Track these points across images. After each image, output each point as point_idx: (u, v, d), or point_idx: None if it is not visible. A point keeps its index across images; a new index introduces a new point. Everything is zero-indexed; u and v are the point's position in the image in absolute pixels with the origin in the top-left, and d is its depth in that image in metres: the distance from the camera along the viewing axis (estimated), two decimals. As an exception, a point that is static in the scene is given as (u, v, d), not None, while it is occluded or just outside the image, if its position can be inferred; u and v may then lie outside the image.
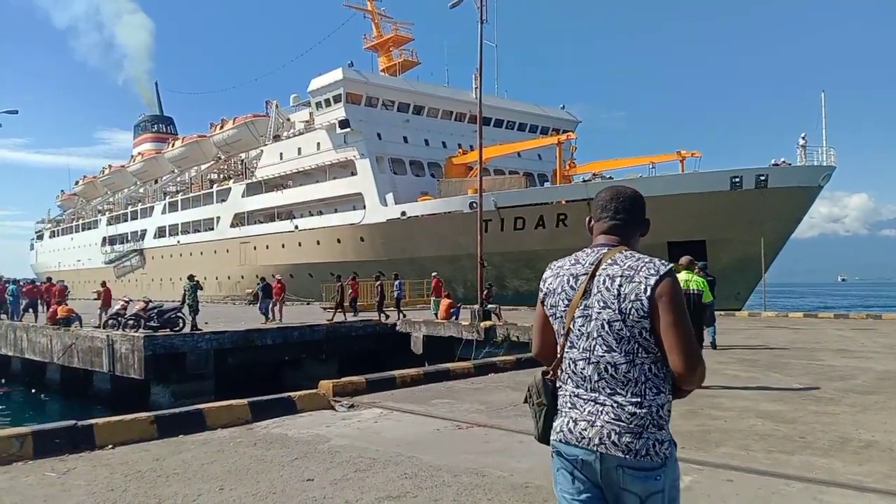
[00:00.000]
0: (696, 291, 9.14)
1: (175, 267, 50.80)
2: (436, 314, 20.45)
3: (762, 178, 27.34)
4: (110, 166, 71.49)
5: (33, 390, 18.21)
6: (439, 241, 32.25)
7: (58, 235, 78.78)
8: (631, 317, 1.90)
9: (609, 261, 1.99)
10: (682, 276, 9.16)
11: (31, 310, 22.02)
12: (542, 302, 2.10)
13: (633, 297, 1.90)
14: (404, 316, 20.17)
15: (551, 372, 2.05)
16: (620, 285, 1.93)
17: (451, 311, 19.66)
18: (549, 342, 2.11)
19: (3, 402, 18.00)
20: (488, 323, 17.48)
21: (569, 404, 1.99)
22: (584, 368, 1.97)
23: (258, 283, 21.24)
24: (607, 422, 1.90)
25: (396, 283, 21.69)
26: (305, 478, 4.43)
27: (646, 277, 1.91)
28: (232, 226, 47.34)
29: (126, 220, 62.95)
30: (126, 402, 13.48)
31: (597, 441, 1.90)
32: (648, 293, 1.88)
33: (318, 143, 40.51)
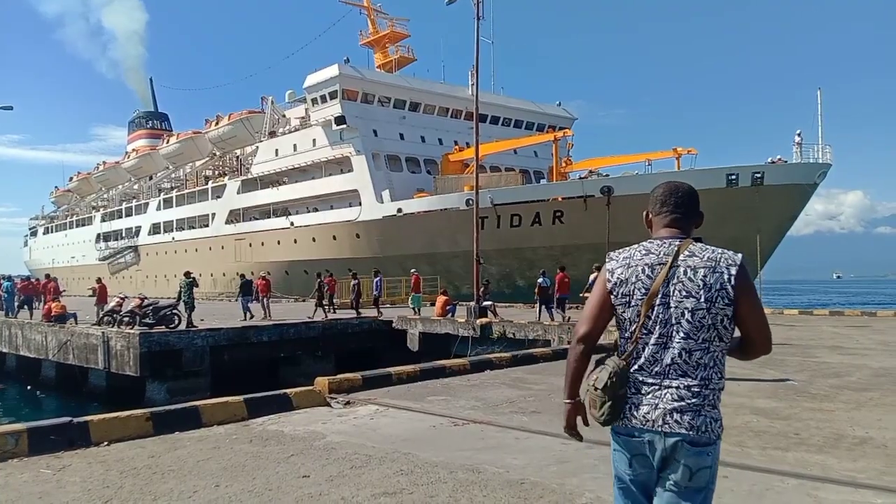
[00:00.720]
0: None
1: (170, 263, 50.66)
2: (414, 309, 20.61)
3: (758, 175, 27.41)
4: (104, 163, 71.20)
5: (29, 387, 18.15)
6: (435, 238, 32.24)
7: (52, 232, 78.43)
8: (716, 304, 2.06)
9: (687, 252, 2.12)
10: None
11: (26, 306, 21.93)
12: (611, 292, 2.18)
13: (718, 287, 2.06)
14: (380, 314, 20.04)
15: (625, 362, 2.14)
16: (705, 276, 2.07)
17: (448, 308, 19.67)
18: (601, 328, 2.22)
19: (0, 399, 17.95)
20: (484, 320, 17.50)
21: (633, 389, 2.12)
22: (656, 353, 2.10)
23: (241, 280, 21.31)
24: (670, 402, 2.06)
25: (376, 280, 21.64)
26: (301, 474, 4.43)
27: (727, 268, 2.08)
28: (227, 222, 47.19)
29: (120, 217, 62.72)
30: (122, 399, 13.46)
31: (660, 422, 2.06)
32: (733, 282, 2.05)
33: (314, 140, 40.40)
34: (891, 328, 15.82)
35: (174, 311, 17.09)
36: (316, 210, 40.44)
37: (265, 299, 20.56)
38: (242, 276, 21.88)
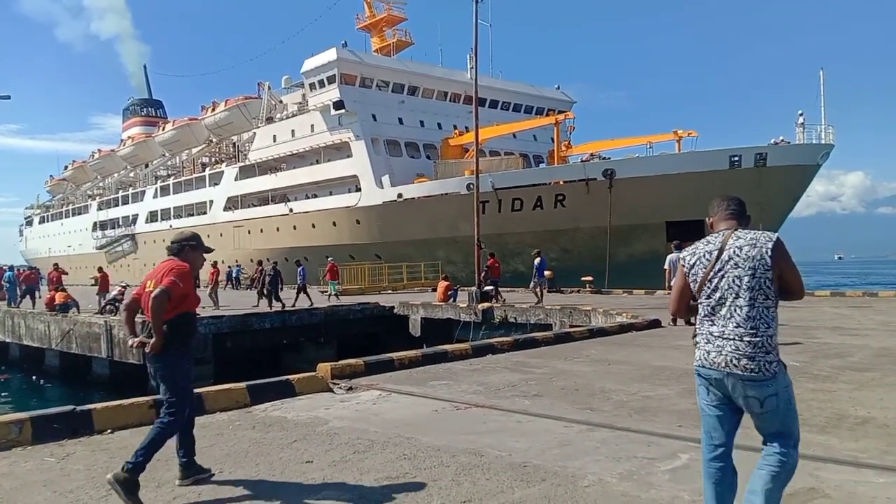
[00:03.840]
0: None
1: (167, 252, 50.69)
2: (329, 296, 21.64)
3: (761, 156, 27.26)
4: (100, 150, 70.79)
5: (34, 377, 18.23)
6: (436, 223, 32.18)
7: (48, 221, 78.16)
8: (758, 271, 2.75)
9: (734, 237, 2.85)
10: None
11: (28, 296, 21.95)
12: (686, 274, 2.94)
13: (758, 257, 2.75)
14: (293, 304, 19.11)
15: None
16: (748, 251, 2.77)
17: (449, 293, 19.69)
18: (685, 304, 3.00)
19: (3, 388, 18.03)
20: (486, 305, 17.52)
21: (705, 340, 2.86)
22: (718, 310, 2.81)
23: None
24: (731, 351, 2.74)
25: (300, 269, 21.70)
26: (304, 460, 4.44)
27: (765, 242, 2.77)
28: (225, 209, 47.06)
29: (117, 205, 62.51)
30: (125, 386, 13.51)
31: (723, 364, 2.75)
32: (770, 253, 2.75)
33: (312, 125, 40.18)
34: (892, 308, 15.82)
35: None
36: (315, 196, 40.31)
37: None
38: (214, 264, 21.64)
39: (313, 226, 39.01)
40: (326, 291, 24.02)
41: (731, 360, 2.72)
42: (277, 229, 41.44)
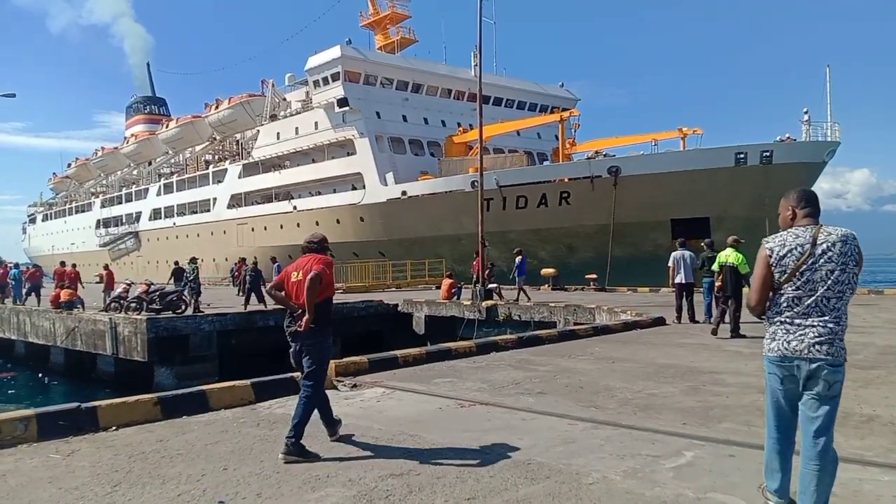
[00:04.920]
0: (732, 265, 10.79)
1: (171, 249, 50.72)
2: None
3: (767, 154, 27.14)
4: (103, 148, 70.76)
5: (39, 374, 18.31)
6: (440, 220, 32.16)
7: (51, 219, 78.30)
8: (849, 266, 3.00)
9: (825, 233, 3.05)
10: (726, 253, 10.89)
11: (33, 293, 22.04)
12: (772, 265, 3.09)
13: (850, 254, 3.01)
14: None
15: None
16: (841, 248, 3.01)
17: (453, 290, 19.68)
18: (767, 295, 3.14)
19: (9, 385, 18.12)
20: (490, 302, 17.51)
21: (782, 330, 3.06)
22: (804, 300, 3.01)
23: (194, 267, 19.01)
24: (813, 337, 2.98)
25: (275, 266, 21.53)
26: (309, 457, 4.44)
27: (853, 241, 3.04)
28: (229, 207, 47.11)
29: (120, 203, 62.55)
30: (130, 384, 13.58)
31: (806, 351, 2.98)
32: (857, 250, 3.03)
33: (316, 123, 40.18)
34: (898, 306, 15.73)
35: (181, 296, 17.16)
36: (319, 193, 40.33)
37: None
38: (243, 260, 21.73)
39: (317, 223, 39.02)
40: None
41: (814, 346, 2.96)
42: (281, 227, 41.48)
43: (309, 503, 3.61)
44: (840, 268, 2.98)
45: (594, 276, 25.34)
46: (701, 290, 12.96)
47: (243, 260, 22.17)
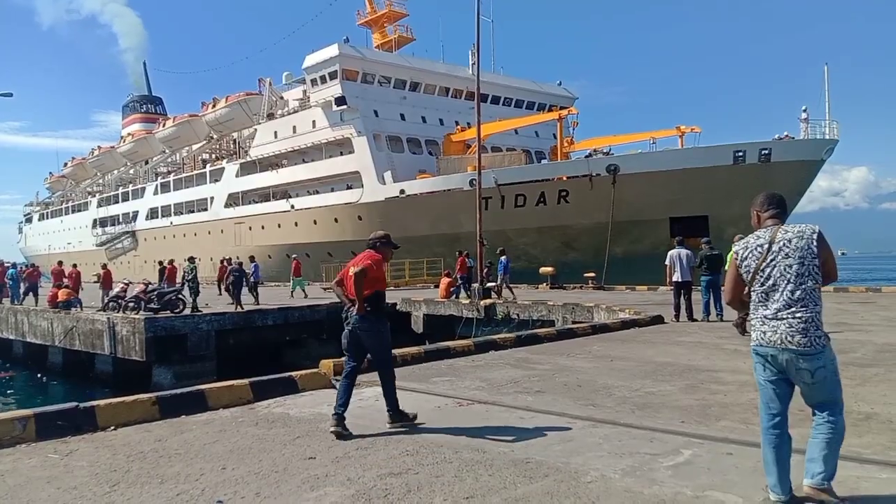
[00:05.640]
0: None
1: (168, 248, 50.62)
2: (293, 292, 21.88)
3: (765, 152, 27.16)
4: (99, 147, 70.54)
5: (37, 374, 18.29)
6: (439, 219, 32.15)
7: (47, 218, 78.06)
8: (806, 259, 3.15)
9: (782, 231, 3.25)
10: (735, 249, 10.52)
11: (31, 293, 22.01)
12: (738, 266, 3.34)
13: (805, 247, 3.17)
14: (257, 303, 18.86)
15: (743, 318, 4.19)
16: (796, 243, 3.18)
17: (452, 289, 19.69)
18: (739, 293, 3.36)
19: (7, 385, 18.10)
20: (488, 301, 17.52)
21: (760, 322, 3.24)
22: (772, 295, 3.20)
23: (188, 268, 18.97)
24: (785, 329, 3.13)
25: (253, 266, 21.32)
26: (307, 456, 4.45)
27: (810, 235, 3.19)
28: (226, 206, 47.03)
29: (117, 202, 62.38)
30: (128, 383, 13.56)
31: (779, 342, 3.14)
32: (815, 243, 3.17)
33: (314, 121, 40.13)
34: (895, 304, 15.78)
35: (179, 296, 17.15)
36: (317, 192, 40.30)
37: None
38: (171, 262, 21.82)
39: (315, 222, 39.01)
40: (304, 289, 23.28)
41: (786, 338, 3.11)
42: (279, 226, 41.44)
43: (308, 502, 3.61)
44: (798, 262, 3.15)
45: (593, 274, 25.36)
46: (699, 288, 12.97)
47: (228, 260, 22.16)
